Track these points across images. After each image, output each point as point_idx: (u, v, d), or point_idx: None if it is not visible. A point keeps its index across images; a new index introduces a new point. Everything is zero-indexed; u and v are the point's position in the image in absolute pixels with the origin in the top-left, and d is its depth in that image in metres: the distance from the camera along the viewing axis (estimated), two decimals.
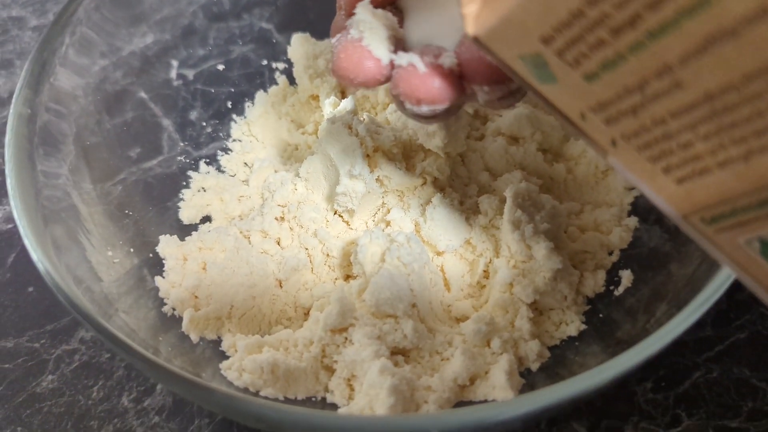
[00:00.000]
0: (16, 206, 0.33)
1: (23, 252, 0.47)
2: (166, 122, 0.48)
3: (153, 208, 0.44)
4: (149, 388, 0.41)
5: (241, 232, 0.42)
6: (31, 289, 0.46)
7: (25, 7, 0.64)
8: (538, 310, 0.38)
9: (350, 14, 0.30)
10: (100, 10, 0.44)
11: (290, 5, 0.53)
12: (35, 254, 0.31)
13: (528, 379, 0.35)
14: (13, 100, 0.38)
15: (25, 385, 0.42)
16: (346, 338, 0.36)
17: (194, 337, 0.38)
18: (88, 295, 0.32)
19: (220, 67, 0.51)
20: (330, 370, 0.36)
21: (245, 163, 0.49)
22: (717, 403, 0.38)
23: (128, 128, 0.46)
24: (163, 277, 0.40)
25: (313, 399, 0.35)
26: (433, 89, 0.27)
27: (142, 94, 0.48)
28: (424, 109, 0.28)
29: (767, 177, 0.17)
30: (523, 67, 0.22)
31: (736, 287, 0.42)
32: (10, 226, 0.49)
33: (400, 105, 0.29)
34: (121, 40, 0.46)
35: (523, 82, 0.22)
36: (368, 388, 0.32)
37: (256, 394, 0.34)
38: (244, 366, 0.35)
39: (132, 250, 0.40)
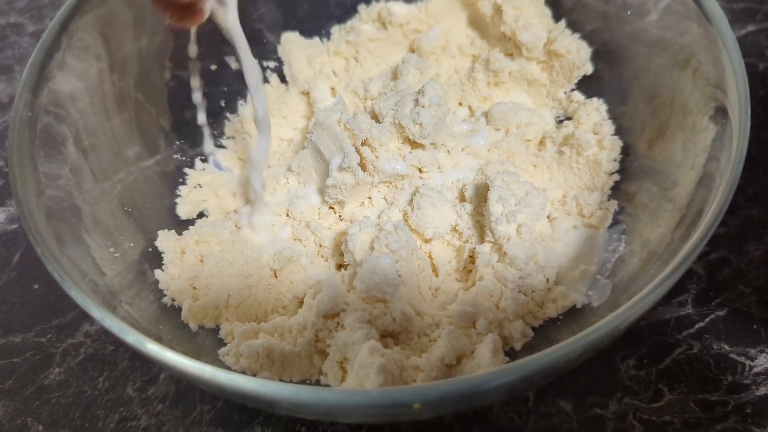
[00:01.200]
0: (20, 206, 0.34)
1: (28, 251, 0.49)
2: (162, 122, 0.50)
3: (151, 204, 0.45)
4: (152, 378, 0.42)
5: (236, 226, 0.44)
6: (36, 286, 0.47)
7: (23, 13, 0.65)
8: (522, 292, 0.39)
9: None
10: (96, 15, 0.45)
11: (280, 5, 0.54)
12: (39, 248, 0.33)
13: (513, 358, 0.36)
14: (14, 105, 0.39)
15: (34, 378, 0.43)
16: (338, 323, 0.38)
17: (193, 326, 0.39)
18: (93, 288, 0.34)
19: (213, 67, 0.53)
20: (323, 354, 0.37)
21: (240, 159, 0.50)
22: (698, 377, 0.40)
23: (126, 128, 0.47)
24: (163, 270, 0.41)
25: (308, 382, 0.37)
26: None
27: (139, 95, 0.49)
28: None
29: None
30: None
31: (716, 268, 0.44)
32: (14, 226, 0.51)
33: None
34: (116, 43, 0.48)
35: None
36: (359, 368, 0.33)
37: (254, 377, 0.35)
38: (241, 351, 0.36)
39: (132, 244, 0.41)
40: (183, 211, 0.46)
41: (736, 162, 0.31)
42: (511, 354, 0.37)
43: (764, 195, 0.46)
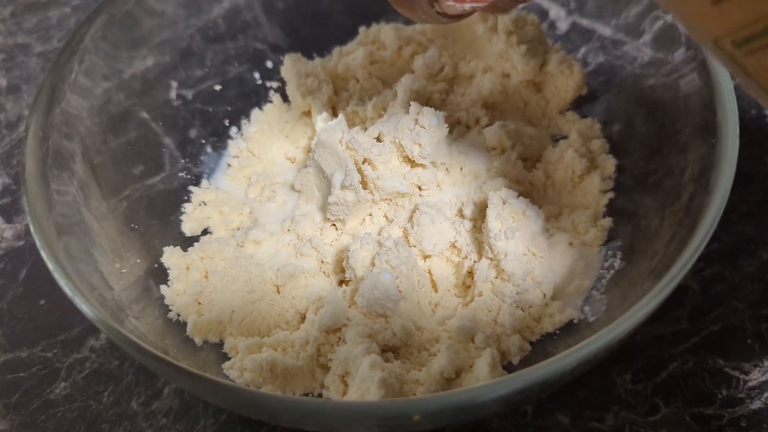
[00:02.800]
0: (33, 223, 0.35)
1: (34, 267, 0.50)
2: (167, 140, 0.51)
3: (157, 221, 0.46)
4: (157, 392, 0.43)
5: (238, 244, 0.45)
6: (42, 301, 0.48)
7: (30, 34, 0.66)
8: (519, 307, 0.40)
9: None
10: (104, 37, 0.46)
11: (282, 26, 0.55)
12: (50, 263, 0.34)
13: (510, 372, 0.37)
14: (27, 124, 0.40)
15: (40, 392, 0.44)
16: (339, 338, 0.38)
17: (198, 341, 0.40)
18: (101, 302, 0.34)
19: (217, 87, 0.54)
20: (325, 368, 0.38)
21: (243, 177, 0.51)
22: (693, 391, 0.40)
23: (132, 147, 0.48)
24: (168, 286, 0.42)
25: (310, 395, 0.38)
26: None
27: (144, 114, 0.50)
28: (467, 6, 0.28)
29: None
30: None
31: (710, 283, 0.45)
32: (21, 242, 0.52)
33: (427, 4, 0.29)
34: (122, 63, 0.48)
35: None
36: (360, 382, 0.34)
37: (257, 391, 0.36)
38: (245, 365, 0.37)
39: (138, 260, 0.42)
40: (188, 228, 0.47)
41: (726, 179, 0.32)
42: (509, 368, 0.38)
43: (757, 211, 0.47)
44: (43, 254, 0.34)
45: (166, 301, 0.41)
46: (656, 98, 0.43)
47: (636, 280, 0.37)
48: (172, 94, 0.52)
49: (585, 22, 0.48)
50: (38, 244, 0.34)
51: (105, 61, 0.47)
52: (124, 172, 0.47)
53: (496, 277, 0.40)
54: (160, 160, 0.50)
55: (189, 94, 0.53)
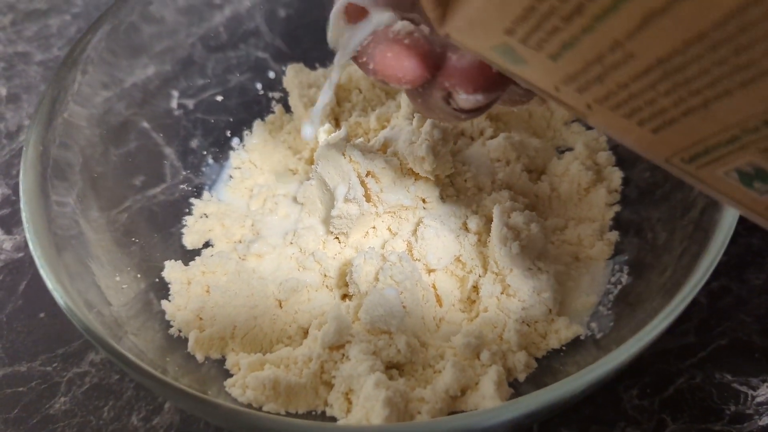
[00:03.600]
0: (30, 236, 0.35)
1: (34, 279, 0.49)
2: (168, 151, 0.50)
3: (157, 234, 0.46)
4: (157, 407, 0.42)
5: (240, 258, 0.44)
6: (42, 315, 0.48)
7: (30, 42, 0.66)
8: (525, 323, 0.39)
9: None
10: (107, 46, 0.46)
11: (284, 36, 0.55)
12: (50, 282, 0.33)
13: (516, 389, 0.37)
14: (26, 137, 0.39)
15: (39, 407, 0.43)
16: (343, 354, 0.38)
17: (200, 357, 0.39)
18: (99, 318, 0.34)
19: (219, 97, 0.53)
20: (329, 385, 0.38)
21: (245, 189, 0.51)
22: (700, 407, 0.40)
23: (132, 157, 0.48)
24: (169, 301, 0.42)
25: (313, 413, 0.37)
26: (493, 73, 0.26)
27: (145, 124, 0.50)
28: (480, 98, 0.27)
29: (727, 119, 0.19)
30: (496, 55, 0.24)
31: (717, 296, 0.44)
32: (20, 254, 0.51)
33: (442, 101, 0.28)
34: (123, 72, 0.48)
35: (500, 67, 0.24)
36: (364, 400, 0.34)
37: (259, 409, 0.36)
38: (247, 383, 0.37)
39: (139, 275, 0.42)
40: (189, 241, 0.47)
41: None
42: (515, 385, 0.37)
43: None
44: (42, 271, 0.33)
45: (167, 317, 0.41)
46: None
47: (645, 296, 0.36)
48: (173, 104, 0.52)
49: None
50: (37, 261, 0.34)
51: (105, 71, 0.46)
52: (125, 183, 0.46)
53: (502, 293, 0.40)
54: (160, 170, 0.49)
55: (190, 103, 0.52)
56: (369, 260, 0.40)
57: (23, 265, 0.51)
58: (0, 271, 0.50)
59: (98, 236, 0.41)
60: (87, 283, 0.37)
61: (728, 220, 0.32)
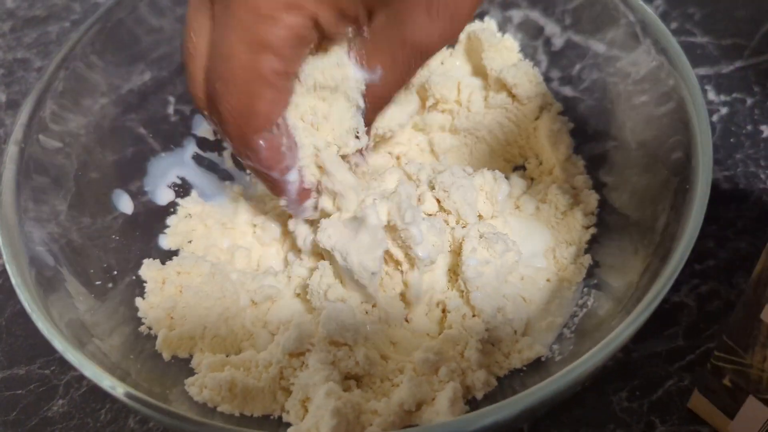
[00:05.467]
0: (4, 247, 0.36)
1: None
2: (164, 155, 0.51)
3: (142, 234, 0.47)
4: None
5: (216, 260, 0.45)
6: None
7: (30, 49, 0.67)
8: (489, 342, 0.39)
9: None
10: (98, 51, 0.46)
11: None
12: (23, 295, 0.35)
13: (472, 406, 0.37)
14: (12, 138, 0.40)
15: (37, 410, 0.44)
16: (303, 362, 0.38)
17: (166, 356, 0.40)
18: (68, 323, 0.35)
19: None
20: (287, 391, 0.38)
21: (234, 194, 0.51)
22: (688, 409, 0.40)
23: (129, 162, 0.48)
24: (144, 298, 0.42)
25: (271, 417, 0.38)
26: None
27: (141, 130, 0.50)
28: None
29: None
30: None
31: (705, 300, 0.45)
32: None
33: None
34: (120, 78, 0.49)
35: None
36: (315, 409, 0.34)
37: (214, 409, 0.37)
38: (205, 383, 0.37)
39: (116, 272, 0.43)
40: (171, 241, 0.47)
41: (697, 214, 0.32)
42: (473, 402, 0.37)
43: (753, 228, 0.47)
44: (15, 282, 0.35)
45: (140, 314, 0.42)
46: (637, 136, 0.43)
47: (605, 318, 0.36)
48: (170, 110, 0.52)
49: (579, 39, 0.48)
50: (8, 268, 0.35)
51: (102, 77, 0.47)
52: (120, 187, 0.47)
53: (468, 312, 0.40)
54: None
55: (187, 109, 0.53)
56: (326, 275, 0.40)
57: None
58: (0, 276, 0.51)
59: (89, 242, 0.42)
60: (60, 292, 0.38)
61: (684, 243, 0.32)
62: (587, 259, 0.42)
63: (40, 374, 0.46)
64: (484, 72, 0.50)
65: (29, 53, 0.67)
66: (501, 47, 0.49)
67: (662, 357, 0.42)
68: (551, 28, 0.49)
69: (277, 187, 0.39)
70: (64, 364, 0.46)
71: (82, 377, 0.45)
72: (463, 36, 0.51)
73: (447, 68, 0.51)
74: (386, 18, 0.33)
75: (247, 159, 0.36)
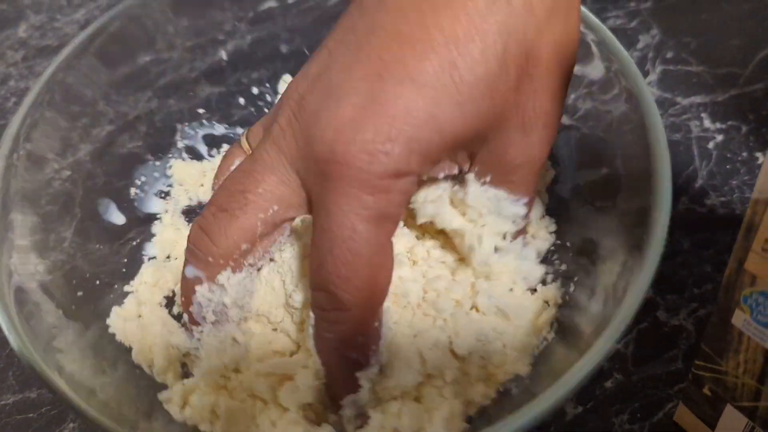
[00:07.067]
0: None
1: None
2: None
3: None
4: None
5: None
6: None
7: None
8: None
9: None
10: (101, 76, 0.47)
11: (286, 70, 0.57)
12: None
13: None
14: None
15: None
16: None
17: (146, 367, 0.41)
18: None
19: (223, 129, 0.55)
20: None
21: None
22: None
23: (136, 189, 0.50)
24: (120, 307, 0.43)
25: None
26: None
27: (149, 157, 0.51)
28: None
29: None
30: None
31: (704, 324, 0.45)
32: None
33: None
34: (127, 106, 0.50)
35: None
36: None
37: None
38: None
39: (98, 282, 0.44)
40: (154, 251, 0.48)
41: (654, 254, 0.32)
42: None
43: None
44: None
45: (108, 321, 0.42)
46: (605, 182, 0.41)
47: (560, 356, 0.36)
48: (177, 137, 0.54)
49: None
50: None
51: (110, 105, 0.48)
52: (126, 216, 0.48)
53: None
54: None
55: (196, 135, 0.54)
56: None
57: None
58: None
59: (96, 269, 0.43)
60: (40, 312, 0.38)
61: (640, 284, 0.31)
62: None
63: (51, 398, 0.46)
64: None
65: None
66: None
67: (662, 380, 0.43)
68: None
69: (350, 382, 0.34)
70: None
71: None
72: None
73: None
74: (489, 153, 0.35)
75: (352, 350, 0.33)
